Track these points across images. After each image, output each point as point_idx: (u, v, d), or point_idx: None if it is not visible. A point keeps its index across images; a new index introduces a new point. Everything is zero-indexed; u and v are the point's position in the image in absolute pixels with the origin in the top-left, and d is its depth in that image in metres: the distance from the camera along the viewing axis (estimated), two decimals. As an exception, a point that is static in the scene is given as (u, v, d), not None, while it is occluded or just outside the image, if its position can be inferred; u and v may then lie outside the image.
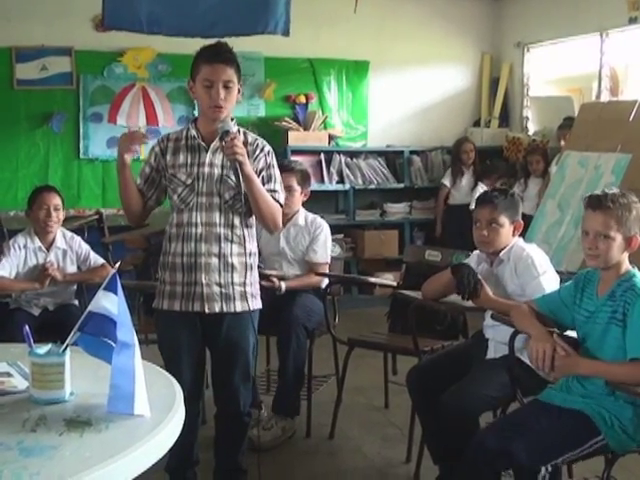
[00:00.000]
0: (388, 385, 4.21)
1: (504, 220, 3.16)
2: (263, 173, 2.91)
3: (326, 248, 4.03)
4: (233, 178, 2.81)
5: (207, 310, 2.87)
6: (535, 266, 3.06)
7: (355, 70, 7.44)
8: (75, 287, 4.23)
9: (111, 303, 1.77)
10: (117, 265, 1.80)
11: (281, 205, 2.95)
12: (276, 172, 2.96)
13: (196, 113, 6.85)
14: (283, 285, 3.85)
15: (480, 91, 8.03)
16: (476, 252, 3.32)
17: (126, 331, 1.74)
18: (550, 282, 3.06)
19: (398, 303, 3.92)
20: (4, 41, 6.33)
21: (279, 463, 3.57)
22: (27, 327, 1.91)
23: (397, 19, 7.53)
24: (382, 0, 7.32)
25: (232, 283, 2.88)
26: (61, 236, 4.16)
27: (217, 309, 2.87)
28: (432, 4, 7.67)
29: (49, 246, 4.11)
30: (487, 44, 8.03)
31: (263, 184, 2.88)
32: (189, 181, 2.86)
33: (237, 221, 2.89)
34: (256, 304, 2.97)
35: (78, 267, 4.18)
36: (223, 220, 2.87)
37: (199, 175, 2.86)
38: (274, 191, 2.91)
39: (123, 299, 1.76)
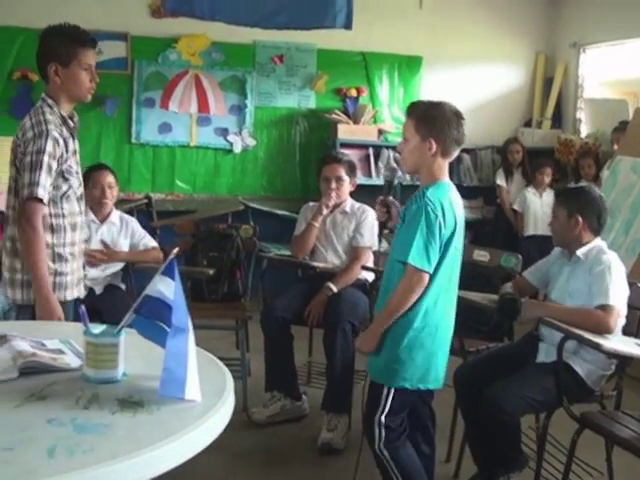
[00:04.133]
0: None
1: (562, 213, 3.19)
2: None
3: (373, 233, 4.05)
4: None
5: None
6: (610, 272, 3.03)
7: (408, 65, 7.39)
8: (122, 269, 4.28)
9: (167, 288, 1.79)
10: (175, 250, 1.82)
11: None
12: None
13: (247, 103, 6.91)
14: (334, 288, 3.88)
15: (533, 91, 7.92)
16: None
17: (181, 316, 1.76)
18: (618, 292, 3.02)
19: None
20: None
21: (317, 456, 3.59)
22: (83, 307, 1.95)
23: (452, 15, 7.46)
24: (438, -4, 7.28)
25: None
26: (117, 215, 4.26)
27: None
28: (487, 2, 7.59)
29: (103, 220, 4.21)
30: (542, 43, 7.92)
31: None
32: None
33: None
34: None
35: (131, 246, 4.25)
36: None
37: None
38: None
39: (180, 284, 1.78)
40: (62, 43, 2.81)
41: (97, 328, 1.91)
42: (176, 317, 1.74)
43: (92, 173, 4.18)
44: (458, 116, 2.70)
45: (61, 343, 2.16)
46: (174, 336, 1.74)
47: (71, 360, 2.02)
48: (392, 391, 2.71)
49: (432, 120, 2.66)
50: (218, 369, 2.00)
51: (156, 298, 1.80)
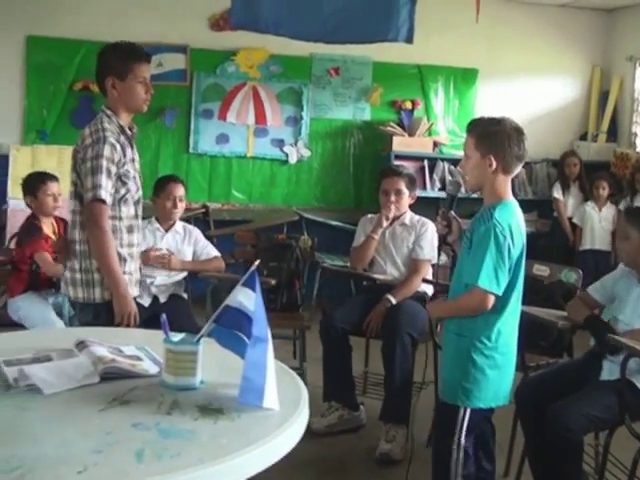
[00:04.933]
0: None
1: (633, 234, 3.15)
2: None
3: (432, 246, 4.06)
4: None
5: None
6: None
7: (463, 78, 7.41)
8: (184, 278, 4.34)
9: (247, 298, 1.83)
10: (257, 262, 1.87)
11: None
12: None
13: (303, 114, 6.99)
14: (393, 299, 3.92)
15: (589, 104, 7.86)
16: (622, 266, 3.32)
17: (261, 327, 1.80)
18: None
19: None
20: (122, 36, 6.51)
21: (376, 468, 3.62)
22: (164, 316, 2.00)
23: (508, 28, 7.47)
24: (493, 9, 7.24)
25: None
26: (181, 225, 4.34)
27: None
28: (543, 14, 7.57)
29: (168, 229, 4.28)
30: (598, 57, 7.86)
31: None
32: None
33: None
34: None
35: (194, 254, 4.31)
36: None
37: None
38: None
39: (260, 295, 1.82)
40: (118, 59, 2.97)
41: (176, 336, 1.97)
42: (256, 327, 1.79)
43: (166, 184, 4.26)
44: (519, 132, 2.68)
45: (137, 350, 2.22)
46: (254, 346, 1.79)
47: (149, 366, 2.08)
48: (468, 411, 2.71)
49: (492, 137, 2.65)
50: (292, 379, 2.05)
51: (235, 308, 1.85)
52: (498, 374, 2.71)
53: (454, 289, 2.84)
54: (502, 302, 2.66)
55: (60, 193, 4.26)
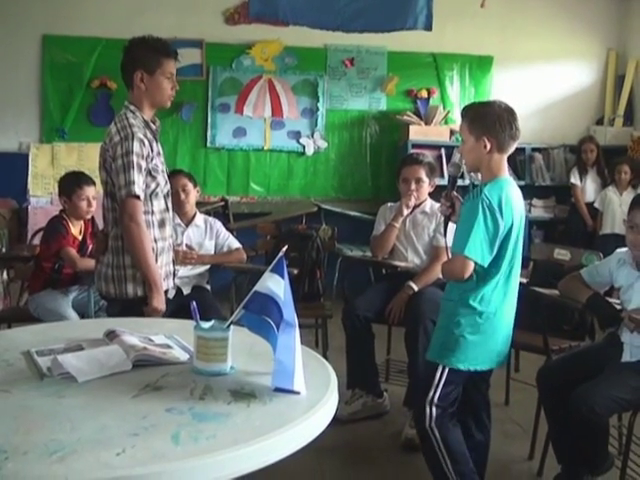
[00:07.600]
0: (510, 382, 4.20)
1: None
2: None
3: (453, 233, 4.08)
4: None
5: None
6: None
7: (479, 65, 7.41)
8: (207, 270, 4.37)
9: (276, 284, 1.87)
10: (284, 249, 1.89)
11: None
12: None
13: (319, 106, 7.01)
14: (415, 286, 3.94)
15: (605, 88, 7.84)
16: (620, 251, 3.28)
17: (290, 311, 1.84)
18: None
19: (526, 300, 3.89)
20: (138, 33, 6.55)
21: (402, 453, 3.63)
22: (194, 303, 2.04)
23: (522, 14, 7.46)
24: (507, -5, 7.28)
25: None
26: (202, 218, 4.36)
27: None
28: (557, -1, 7.57)
29: (188, 223, 4.31)
30: (613, 40, 7.83)
31: None
32: None
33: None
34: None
35: (216, 246, 4.34)
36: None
37: None
38: None
39: (288, 281, 1.86)
40: (148, 53, 2.97)
41: (206, 323, 2.00)
42: (286, 312, 1.83)
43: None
44: (509, 112, 2.77)
45: (167, 338, 2.27)
46: (284, 330, 1.82)
47: (179, 354, 2.12)
48: (446, 370, 2.79)
49: (483, 119, 2.75)
50: (321, 364, 2.08)
51: (264, 294, 1.88)
52: (481, 339, 2.77)
53: None
54: (490, 271, 2.74)
55: (95, 197, 4.20)
